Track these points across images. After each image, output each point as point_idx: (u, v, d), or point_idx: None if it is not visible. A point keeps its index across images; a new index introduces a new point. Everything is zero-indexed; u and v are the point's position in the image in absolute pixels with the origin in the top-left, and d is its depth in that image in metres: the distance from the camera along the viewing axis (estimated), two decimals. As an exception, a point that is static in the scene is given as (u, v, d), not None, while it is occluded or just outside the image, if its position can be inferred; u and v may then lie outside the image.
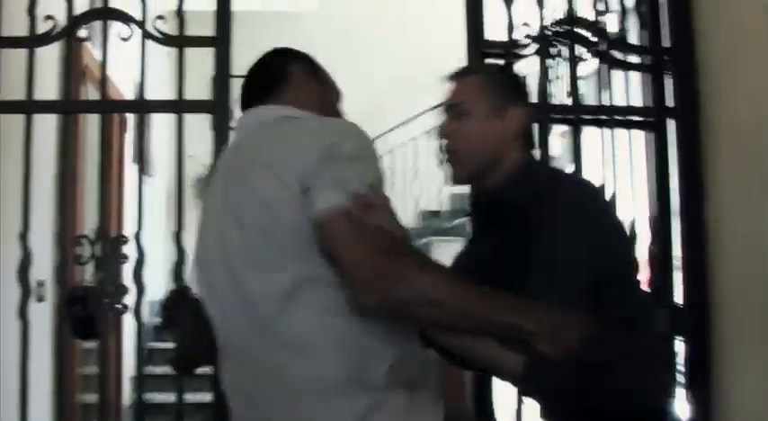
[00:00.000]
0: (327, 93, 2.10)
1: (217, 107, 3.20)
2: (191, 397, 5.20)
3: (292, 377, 1.75)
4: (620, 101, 3.50)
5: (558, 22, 3.41)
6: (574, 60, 3.37)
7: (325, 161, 1.70)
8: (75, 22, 3.19)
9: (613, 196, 3.30)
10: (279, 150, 1.77)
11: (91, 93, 4.56)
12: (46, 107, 3.21)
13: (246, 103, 2.04)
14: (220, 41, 3.23)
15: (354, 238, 1.63)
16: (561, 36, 3.38)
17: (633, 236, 3.30)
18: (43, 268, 3.18)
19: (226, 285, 1.86)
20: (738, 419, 3.15)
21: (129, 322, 3.26)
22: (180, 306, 2.93)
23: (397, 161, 8.34)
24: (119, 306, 3.11)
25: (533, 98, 2.67)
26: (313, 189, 1.68)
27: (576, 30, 3.40)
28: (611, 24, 3.50)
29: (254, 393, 1.87)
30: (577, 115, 3.40)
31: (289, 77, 2.03)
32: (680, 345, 3.33)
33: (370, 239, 1.64)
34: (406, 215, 7.77)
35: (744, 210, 3.12)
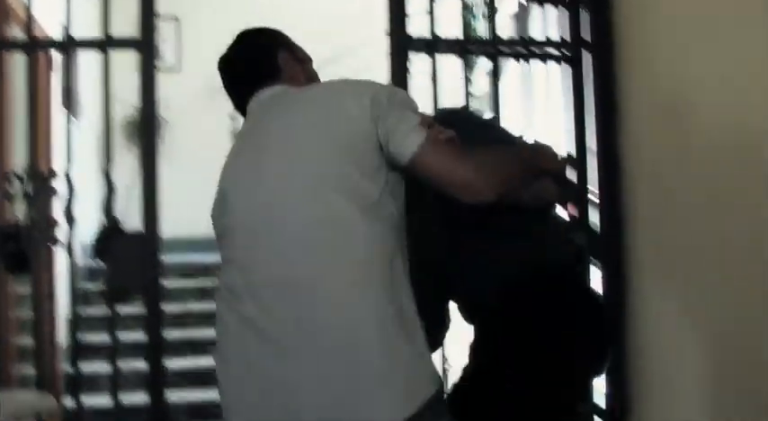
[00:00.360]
0: (308, 67, 2.34)
1: (143, 45, 3.22)
2: (125, 336, 5.26)
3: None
4: (539, 36, 3.61)
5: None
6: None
7: (391, 103, 2.02)
8: (-3, -40, 3.17)
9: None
10: (337, 95, 2.06)
11: (17, 34, 4.48)
12: (-30, 47, 3.19)
13: (242, 90, 2.24)
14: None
15: (450, 160, 1.98)
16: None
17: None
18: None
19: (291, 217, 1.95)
20: (653, 340, 3.34)
21: (62, 262, 3.29)
22: (111, 239, 2.99)
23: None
24: (50, 242, 3.14)
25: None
26: (393, 133, 1.98)
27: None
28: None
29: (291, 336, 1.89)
30: (496, 47, 3.50)
31: (282, 68, 2.25)
32: (596, 270, 3.51)
33: (458, 157, 2.00)
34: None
35: (655, 141, 3.27)
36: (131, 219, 3.13)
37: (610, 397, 3.50)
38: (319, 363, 1.85)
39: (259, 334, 1.92)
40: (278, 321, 1.90)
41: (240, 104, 2.27)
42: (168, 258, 7.18)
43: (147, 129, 3.23)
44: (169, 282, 7.04)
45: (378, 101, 2.01)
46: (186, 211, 7.70)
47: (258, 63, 2.25)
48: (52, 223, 3.13)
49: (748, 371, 2.68)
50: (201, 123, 8.23)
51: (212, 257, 7.80)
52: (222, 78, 2.32)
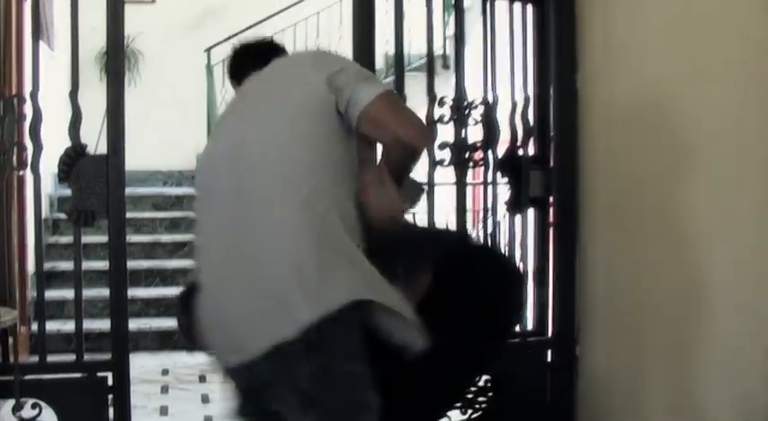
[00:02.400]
0: None
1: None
2: (93, 264, 5.38)
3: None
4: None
5: None
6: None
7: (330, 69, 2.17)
8: None
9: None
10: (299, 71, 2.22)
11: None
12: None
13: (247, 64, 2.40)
14: None
15: (400, 113, 2.18)
16: None
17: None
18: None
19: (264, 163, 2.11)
20: (600, 269, 3.48)
21: (30, 191, 3.33)
22: (76, 162, 3.06)
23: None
24: (18, 166, 3.21)
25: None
26: (347, 88, 2.13)
27: None
28: None
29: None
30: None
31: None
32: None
33: (406, 113, 2.20)
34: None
35: (610, 80, 3.38)
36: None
37: (558, 328, 3.64)
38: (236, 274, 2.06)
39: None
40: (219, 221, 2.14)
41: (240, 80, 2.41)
42: (141, 190, 7.36)
43: (113, 54, 3.26)
44: (141, 214, 7.16)
45: (335, 71, 2.16)
46: (160, 144, 7.78)
47: (271, 47, 2.48)
48: (21, 148, 3.17)
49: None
50: (177, 57, 8.21)
51: (183, 190, 7.84)
52: (231, 58, 2.51)
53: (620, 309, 3.33)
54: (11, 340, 3.23)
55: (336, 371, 1.99)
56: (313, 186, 2.05)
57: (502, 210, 3.74)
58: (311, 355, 1.96)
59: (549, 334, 3.70)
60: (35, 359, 3.31)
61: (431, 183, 3.50)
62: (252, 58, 2.41)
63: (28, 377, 3.25)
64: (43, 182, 3.30)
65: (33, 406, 3.21)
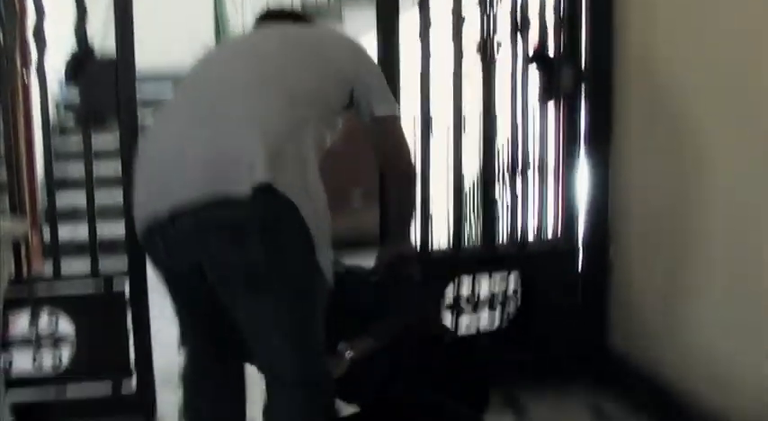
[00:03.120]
0: None
1: None
2: (103, 171, 5.18)
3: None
4: None
5: None
6: None
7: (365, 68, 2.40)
8: None
9: None
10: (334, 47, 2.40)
11: None
12: None
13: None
14: None
15: (402, 140, 2.42)
16: None
17: None
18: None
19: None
20: (633, 172, 3.33)
21: (36, 96, 3.17)
22: (83, 63, 2.88)
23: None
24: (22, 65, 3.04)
25: None
26: (377, 90, 2.37)
27: None
28: None
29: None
30: None
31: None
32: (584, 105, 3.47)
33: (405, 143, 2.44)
34: None
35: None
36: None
37: (590, 230, 3.51)
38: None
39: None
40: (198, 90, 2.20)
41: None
42: (148, 90, 7.15)
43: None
44: (147, 113, 6.94)
45: (364, 60, 2.41)
46: (168, 44, 7.54)
47: (297, 14, 2.60)
48: (24, 45, 2.99)
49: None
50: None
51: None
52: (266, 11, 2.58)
53: (656, 214, 3.18)
54: (23, 251, 3.10)
55: (290, 252, 2.03)
56: (310, 116, 2.16)
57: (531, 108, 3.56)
58: (266, 235, 1.99)
59: (580, 240, 3.57)
60: (49, 267, 3.18)
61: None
62: (284, 16, 2.55)
63: (44, 290, 3.15)
64: (48, 87, 3.12)
65: (50, 317, 3.13)
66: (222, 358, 2.34)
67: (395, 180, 2.46)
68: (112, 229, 4.20)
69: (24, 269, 3.14)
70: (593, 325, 3.51)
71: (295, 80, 2.19)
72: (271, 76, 2.18)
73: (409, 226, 2.54)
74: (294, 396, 2.12)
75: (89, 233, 3.17)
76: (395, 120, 2.39)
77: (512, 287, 3.54)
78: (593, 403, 3.31)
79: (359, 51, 2.41)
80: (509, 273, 3.53)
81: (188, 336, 2.37)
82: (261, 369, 2.20)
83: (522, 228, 3.52)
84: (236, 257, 2.01)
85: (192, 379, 2.38)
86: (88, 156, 3.13)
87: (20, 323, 3.15)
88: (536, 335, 3.51)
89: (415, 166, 2.61)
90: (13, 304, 3.02)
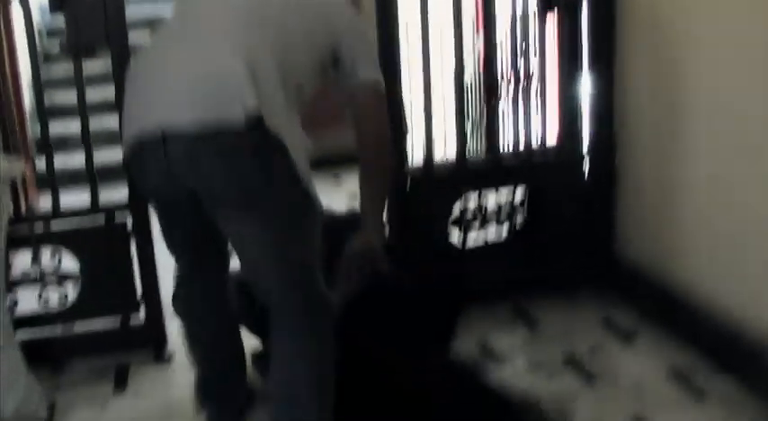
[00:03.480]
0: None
1: None
2: (90, 96, 5.06)
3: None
4: None
5: None
6: None
7: (355, 26, 2.36)
8: None
9: None
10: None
11: None
12: None
13: None
14: None
15: (384, 125, 2.39)
16: None
17: None
18: None
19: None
20: (638, 77, 3.25)
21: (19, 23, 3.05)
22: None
23: None
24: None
25: None
26: (364, 53, 2.34)
27: None
28: None
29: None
30: None
31: None
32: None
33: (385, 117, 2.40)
34: None
35: None
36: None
37: (594, 140, 3.45)
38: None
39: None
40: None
41: None
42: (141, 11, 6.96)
43: None
44: (137, 35, 6.76)
45: (355, 20, 2.38)
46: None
47: None
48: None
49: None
50: None
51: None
52: None
53: (661, 121, 3.11)
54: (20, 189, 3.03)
55: (282, 176, 2.04)
56: (296, 61, 2.17)
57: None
58: (259, 158, 2.01)
59: (585, 147, 3.51)
60: (45, 201, 3.12)
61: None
62: None
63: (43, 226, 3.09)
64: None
65: (53, 254, 3.08)
66: (211, 275, 2.40)
67: (371, 169, 2.40)
68: (105, 156, 4.15)
69: (23, 207, 3.07)
70: (600, 234, 3.48)
71: (284, 24, 2.19)
72: (264, 16, 2.17)
73: (381, 215, 2.48)
74: (292, 322, 2.15)
75: (87, 166, 3.09)
76: (378, 88, 2.36)
77: (518, 199, 3.50)
78: (603, 313, 3.31)
79: (353, 18, 2.39)
80: (515, 186, 3.48)
81: (177, 256, 2.40)
82: (263, 301, 2.21)
83: (525, 137, 3.45)
84: (228, 179, 2.02)
85: (184, 299, 2.44)
86: (80, 85, 3.03)
87: (22, 262, 3.10)
88: (544, 247, 3.48)
89: (391, 158, 2.56)
90: (13, 243, 2.97)
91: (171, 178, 2.07)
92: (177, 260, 2.42)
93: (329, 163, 5.76)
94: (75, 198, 3.32)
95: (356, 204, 2.53)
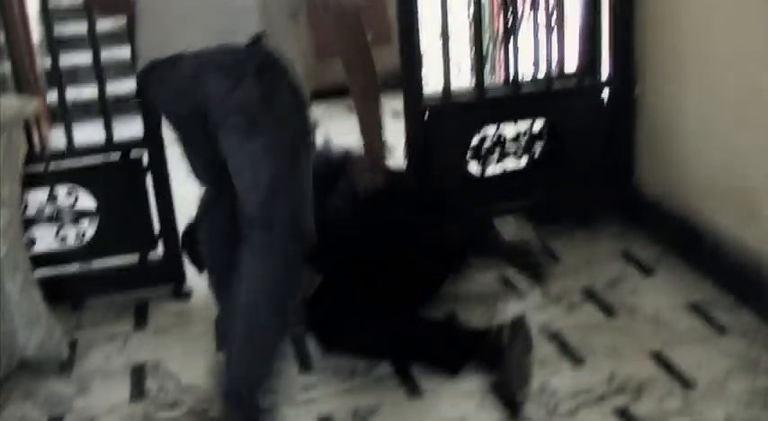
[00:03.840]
0: None
1: None
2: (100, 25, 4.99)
3: None
4: None
5: None
6: None
7: None
8: None
9: None
10: None
11: None
12: None
13: None
14: None
15: (366, 47, 2.42)
16: None
17: None
18: None
19: None
20: (660, 7, 3.16)
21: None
22: None
23: None
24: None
25: None
26: None
27: None
28: None
29: None
30: None
31: None
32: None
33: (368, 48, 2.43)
34: None
35: None
36: None
37: (615, 69, 3.37)
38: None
39: None
40: None
41: None
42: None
43: None
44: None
45: None
46: None
47: None
48: None
49: None
50: None
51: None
52: None
53: (686, 49, 3.03)
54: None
55: (283, 96, 2.11)
56: None
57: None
58: (262, 77, 2.06)
59: (605, 74, 3.44)
60: (57, 136, 3.09)
61: None
62: None
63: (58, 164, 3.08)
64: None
65: (69, 192, 3.07)
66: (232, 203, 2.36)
67: (361, 93, 2.49)
68: (117, 88, 4.10)
69: (37, 145, 3.04)
70: (620, 166, 3.44)
71: None
72: None
73: (379, 135, 2.56)
74: (283, 242, 2.15)
75: (100, 101, 3.06)
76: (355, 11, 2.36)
77: (537, 128, 3.45)
78: (622, 246, 3.29)
79: None
80: (534, 118, 3.43)
81: (200, 181, 2.47)
82: (246, 218, 2.19)
83: (546, 63, 3.37)
84: (232, 95, 2.07)
85: (207, 227, 2.52)
86: (91, 15, 2.98)
87: (38, 200, 3.09)
88: (563, 178, 3.44)
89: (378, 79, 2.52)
90: (28, 182, 2.96)
91: (180, 95, 2.16)
92: (201, 185, 2.49)
93: (343, 93, 5.75)
94: (86, 133, 3.27)
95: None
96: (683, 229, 3.12)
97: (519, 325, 2.58)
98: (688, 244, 3.09)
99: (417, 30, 3.16)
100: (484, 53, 4.54)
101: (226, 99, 2.08)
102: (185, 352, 2.80)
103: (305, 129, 2.22)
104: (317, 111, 4.49)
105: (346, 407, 2.45)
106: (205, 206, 2.53)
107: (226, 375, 2.22)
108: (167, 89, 2.19)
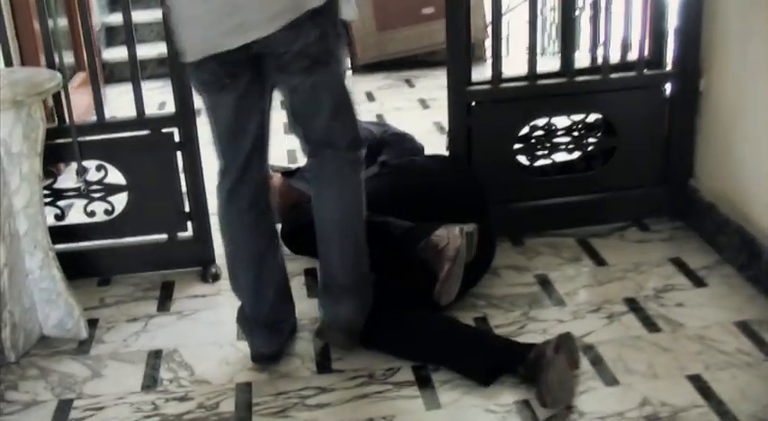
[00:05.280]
0: None
1: None
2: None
3: None
4: None
5: None
6: None
7: None
8: None
9: None
10: None
11: None
12: None
13: None
14: None
15: None
16: None
17: None
18: None
19: None
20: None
21: None
22: None
23: None
24: None
25: None
26: None
27: None
28: None
29: None
30: None
31: None
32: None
33: None
34: None
35: None
36: None
37: (679, 60, 3.15)
38: None
39: None
40: None
41: None
42: None
43: None
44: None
45: None
46: None
47: None
48: None
49: None
50: None
51: None
52: None
53: (757, 43, 2.79)
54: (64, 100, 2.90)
55: (332, 32, 2.33)
56: None
57: None
58: (315, 21, 2.24)
59: (669, 66, 3.22)
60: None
61: None
62: None
63: (88, 138, 2.99)
64: None
65: (98, 168, 2.99)
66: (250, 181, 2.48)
67: None
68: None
69: (66, 117, 2.95)
70: (678, 165, 3.24)
71: None
72: None
73: None
74: (348, 158, 2.47)
75: (131, 72, 2.96)
76: None
77: (591, 119, 3.27)
78: (673, 252, 3.10)
79: None
80: (589, 111, 3.24)
81: (227, 147, 2.46)
82: (312, 141, 2.47)
83: (603, 55, 3.16)
84: (295, 43, 2.25)
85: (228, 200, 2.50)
86: None
87: (68, 174, 3.02)
88: (615, 175, 3.25)
89: None
90: (58, 155, 2.91)
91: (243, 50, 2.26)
92: (226, 164, 2.47)
93: (401, 66, 5.63)
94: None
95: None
96: (739, 239, 2.91)
97: (565, 340, 2.42)
98: (744, 255, 2.88)
99: (467, 6, 2.99)
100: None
101: (289, 46, 2.25)
102: (204, 340, 2.72)
103: (343, 56, 2.51)
104: (377, 80, 4.47)
105: (360, 415, 2.33)
106: (227, 193, 2.48)
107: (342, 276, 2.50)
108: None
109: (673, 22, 3.17)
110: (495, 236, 2.94)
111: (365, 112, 4.93)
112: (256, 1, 2.19)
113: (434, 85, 4.97)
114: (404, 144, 3.26)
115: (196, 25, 2.26)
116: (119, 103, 4.28)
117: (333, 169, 2.47)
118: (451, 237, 2.54)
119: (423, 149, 3.33)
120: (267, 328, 2.54)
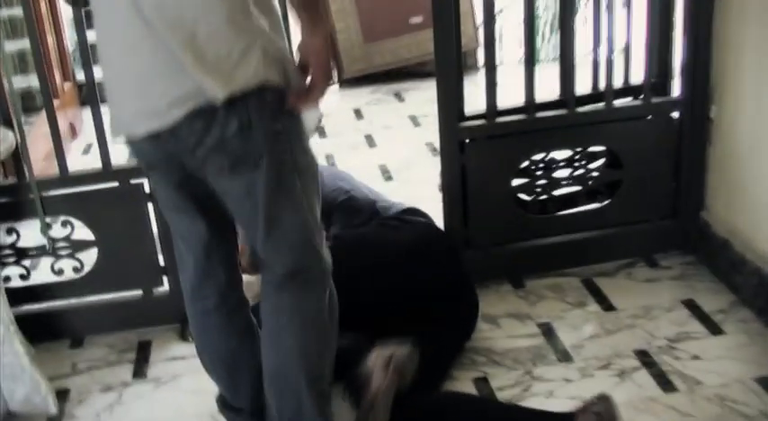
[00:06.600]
0: None
1: None
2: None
3: None
4: None
5: None
6: None
7: None
8: None
9: None
10: None
11: None
12: None
13: None
14: None
15: None
16: None
17: None
18: None
19: None
20: (745, 20, 2.69)
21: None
22: None
23: None
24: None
25: None
26: None
27: None
28: None
29: None
30: None
31: None
32: None
33: None
34: None
35: None
36: None
37: (687, 87, 2.93)
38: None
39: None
40: None
41: None
42: None
43: None
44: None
45: None
46: None
47: None
48: None
49: None
50: None
51: None
52: None
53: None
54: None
55: (266, 126, 1.86)
56: None
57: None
58: (235, 110, 1.82)
59: (678, 92, 3.00)
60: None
61: None
62: None
63: (52, 193, 2.78)
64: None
65: (64, 223, 2.78)
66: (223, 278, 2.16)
67: None
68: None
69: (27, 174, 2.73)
70: (687, 199, 3.04)
71: None
72: None
73: (316, 10, 1.92)
74: (291, 288, 2.03)
75: (95, 125, 2.75)
76: None
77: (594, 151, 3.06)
78: (686, 293, 2.89)
79: None
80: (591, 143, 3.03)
81: (186, 258, 2.15)
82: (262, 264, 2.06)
83: (606, 78, 2.94)
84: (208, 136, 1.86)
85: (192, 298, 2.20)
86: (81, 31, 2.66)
87: (32, 232, 2.81)
88: (621, 209, 3.04)
89: None
90: (19, 213, 2.71)
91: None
92: (185, 250, 2.14)
93: (389, 78, 5.41)
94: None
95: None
96: (757, 280, 2.70)
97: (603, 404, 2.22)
98: (762, 298, 2.68)
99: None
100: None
101: (201, 139, 1.85)
102: (184, 412, 2.52)
103: (292, 154, 1.94)
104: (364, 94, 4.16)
105: None
106: (190, 291, 2.19)
107: None
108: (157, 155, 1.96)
109: (679, 45, 2.95)
110: (473, 292, 2.76)
111: (353, 131, 4.74)
112: (157, 85, 1.82)
113: (424, 98, 4.75)
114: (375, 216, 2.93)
115: (113, 101, 1.94)
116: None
117: (270, 302, 2.06)
118: (375, 372, 2.27)
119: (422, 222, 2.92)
120: (253, 417, 2.27)
